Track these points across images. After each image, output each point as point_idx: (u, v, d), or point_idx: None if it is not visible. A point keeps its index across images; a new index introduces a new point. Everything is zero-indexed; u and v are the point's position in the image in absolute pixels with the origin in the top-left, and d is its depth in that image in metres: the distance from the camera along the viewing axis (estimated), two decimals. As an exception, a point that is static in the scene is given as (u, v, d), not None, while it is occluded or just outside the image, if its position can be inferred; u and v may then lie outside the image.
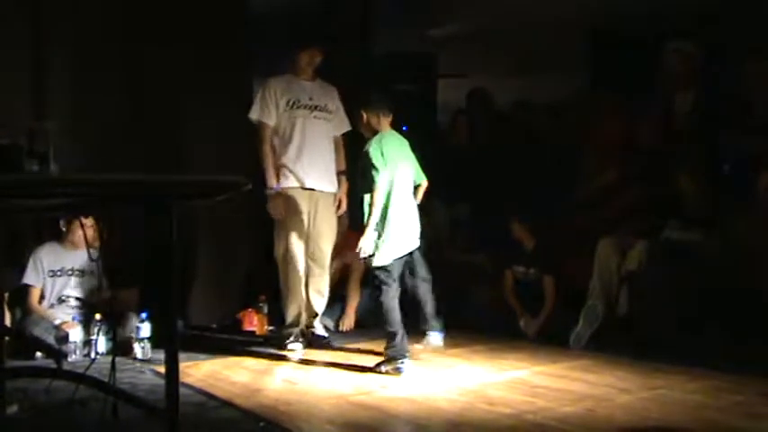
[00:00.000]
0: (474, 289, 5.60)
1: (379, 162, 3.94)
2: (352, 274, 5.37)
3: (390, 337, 3.92)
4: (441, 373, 3.98)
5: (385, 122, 4.12)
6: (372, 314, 5.39)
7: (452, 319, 5.31)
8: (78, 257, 4.61)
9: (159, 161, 5.13)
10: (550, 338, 4.68)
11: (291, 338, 4.59)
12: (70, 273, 4.65)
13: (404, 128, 6.83)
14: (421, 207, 4.23)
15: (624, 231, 4.85)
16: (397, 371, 3.86)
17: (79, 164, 4.87)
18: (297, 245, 4.57)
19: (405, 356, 3.89)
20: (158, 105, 5.32)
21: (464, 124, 6.51)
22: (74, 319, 4.45)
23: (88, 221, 4.20)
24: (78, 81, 5.10)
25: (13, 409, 3.17)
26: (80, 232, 4.44)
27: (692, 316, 4.26)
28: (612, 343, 4.41)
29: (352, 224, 5.33)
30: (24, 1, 4.98)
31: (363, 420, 3.15)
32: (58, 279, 4.62)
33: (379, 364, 3.93)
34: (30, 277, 4.58)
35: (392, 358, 3.90)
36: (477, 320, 5.23)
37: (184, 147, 5.37)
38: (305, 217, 4.58)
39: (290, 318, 4.65)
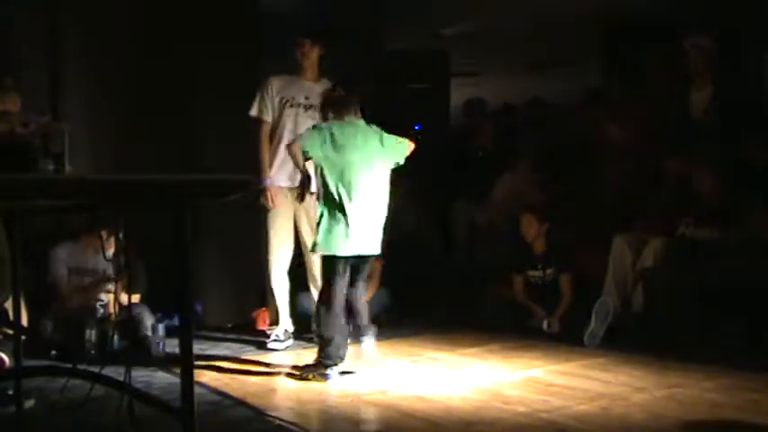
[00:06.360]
0: (489, 288, 5.59)
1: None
2: (371, 274, 5.36)
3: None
4: (455, 371, 3.97)
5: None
6: (387, 311, 5.41)
7: (467, 318, 5.35)
8: (93, 257, 4.63)
9: (172, 161, 5.16)
10: (565, 336, 4.67)
11: (272, 337, 4.69)
12: (85, 272, 4.67)
13: (416, 126, 6.89)
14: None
15: (639, 228, 4.83)
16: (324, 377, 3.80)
17: (93, 164, 4.91)
18: (281, 244, 4.66)
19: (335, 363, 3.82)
20: (171, 105, 5.34)
21: (488, 126, 6.49)
22: (90, 317, 4.47)
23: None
24: (92, 81, 5.13)
25: (30, 403, 3.19)
26: (96, 233, 4.47)
27: (708, 313, 4.23)
28: (628, 341, 4.39)
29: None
30: (40, 1, 5.00)
31: (378, 419, 3.15)
32: (73, 278, 4.65)
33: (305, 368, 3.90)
34: (55, 271, 4.61)
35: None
36: (491, 319, 5.23)
37: (197, 146, 5.39)
38: (290, 216, 4.68)
39: (271, 316, 4.84)
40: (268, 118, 4.69)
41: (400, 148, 3.99)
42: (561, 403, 3.29)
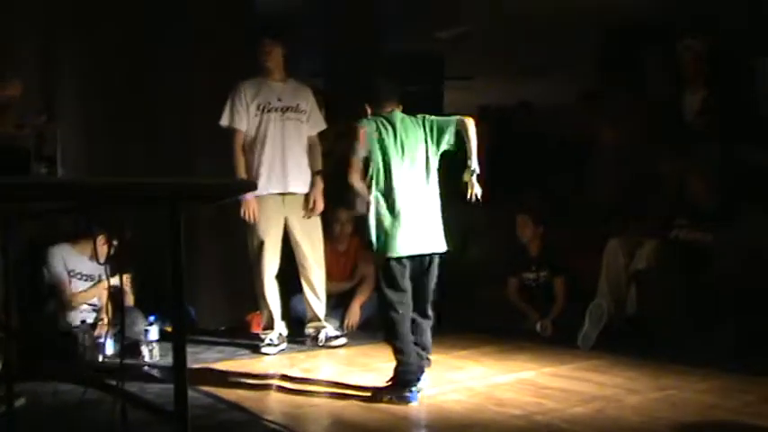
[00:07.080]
0: (484, 291, 5.60)
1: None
2: (366, 277, 5.35)
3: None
4: (449, 374, 3.97)
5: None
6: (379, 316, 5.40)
7: (462, 320, 5.34)
8: (90, 261, 4.61)
9: (168, 163, 5.15)
10: (559, 339, 4.68)
11: (266, 341, 4.66)
12: (80, 276, 4.66)
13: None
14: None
15: (633, 231, 4.84)
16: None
17: (87, 166, 4.90)
18: (268, 249, 4.62)
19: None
20: (167, 108, 5.34)
21: (486, 126, 6.47)
22: (83, 322, 4.46)
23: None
24: (87, 83, 5.12)
25: (20, 401, 3.18)
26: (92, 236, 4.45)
27: (702, 316, 4.24)
28: (621, 343, 4.40)
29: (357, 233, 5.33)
30: (34, 3, 4.99)
31: (372, 422, 3.14)
32: (70, 280, 4.64)
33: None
34: (55, 272, 4.59)
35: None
36: (486, 322, 5.23)
37: (192, 149, 5.38)
38: (280, 222, 4.65)
39: (264, 321, 4.77)
40: (242, 126, 4.59)
41: (445, 125, 3.61)
42: (555, 405, 3.29)
